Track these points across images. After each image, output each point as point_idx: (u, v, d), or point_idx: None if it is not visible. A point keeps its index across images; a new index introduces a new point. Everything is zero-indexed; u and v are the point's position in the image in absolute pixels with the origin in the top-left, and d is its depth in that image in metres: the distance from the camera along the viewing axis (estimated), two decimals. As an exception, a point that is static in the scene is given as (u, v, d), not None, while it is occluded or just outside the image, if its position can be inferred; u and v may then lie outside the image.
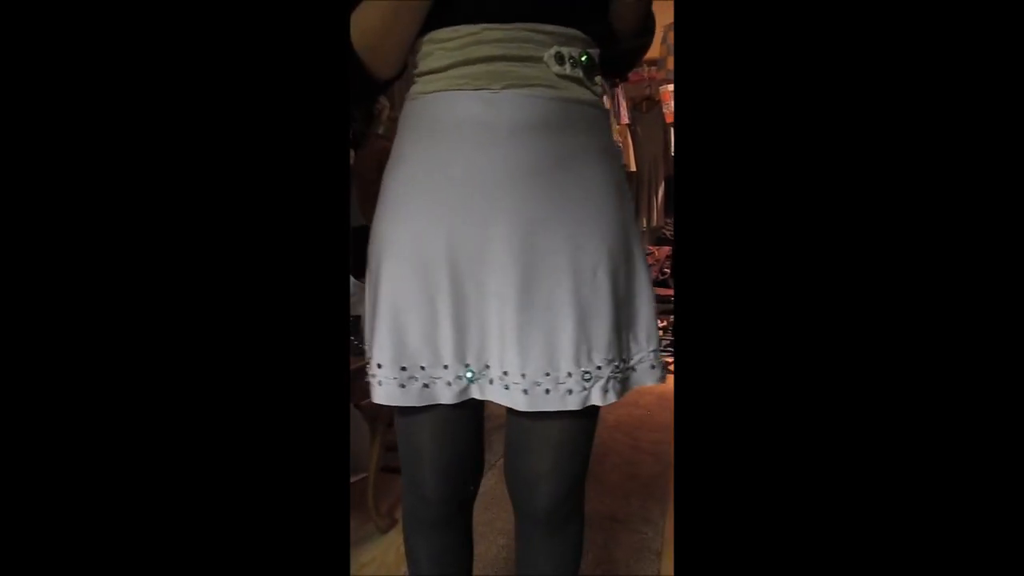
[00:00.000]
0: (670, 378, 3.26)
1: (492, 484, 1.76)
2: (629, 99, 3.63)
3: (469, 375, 0.70)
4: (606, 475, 1.95)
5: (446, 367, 0.69)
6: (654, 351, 0.75)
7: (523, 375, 0.67)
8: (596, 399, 0.69)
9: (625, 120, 3.57)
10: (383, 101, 2.27)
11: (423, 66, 0.70)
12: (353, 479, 1.64)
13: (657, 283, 3.55)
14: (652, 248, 3.65)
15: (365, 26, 0.66)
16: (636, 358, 0.74)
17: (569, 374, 0.68)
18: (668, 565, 1.48)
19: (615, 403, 0.72)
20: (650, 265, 3.71)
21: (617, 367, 0.71)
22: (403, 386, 0.69)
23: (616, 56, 0.78)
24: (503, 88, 0.66)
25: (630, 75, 3.19)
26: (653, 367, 0.75)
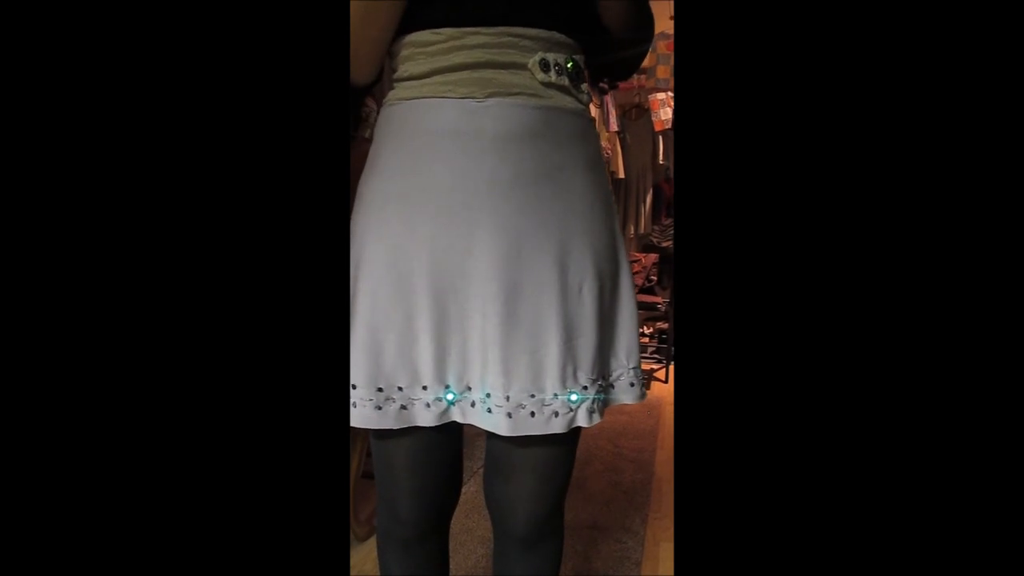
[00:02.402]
0: (655, 385, 3.25)
1: (473, 492, 1.75)
2: (618, 107, 3.64)
3: (450, 397, 0.67)
4: (588, 482, 1.95)
5: (425, 388, 0.66)
6: (634, 368, 0.73)
7: (507, 397, 0.64)
8: (582, 420, 0.66)
9: (614, 128, 3.58)
10: (370, 104, 2.25)
11: (402, 71, 0.67)
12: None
13: (643, 290, 3.56)
14: (639, 255, 3.66)
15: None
16: (615, 375, 0.72)
17: (555, 395, 0.65)
18: (648, 574, 1.47)
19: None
20: (636, 272, 3.71)
21: (601, 386, 0.69)
22: (379, 408, 0.66)
23: (612, 61, 0.76)
24: (487, 96, 0.64)
25: (620, 83, 3.19)
26: (632, 384, 0.73)
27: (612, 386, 0.72)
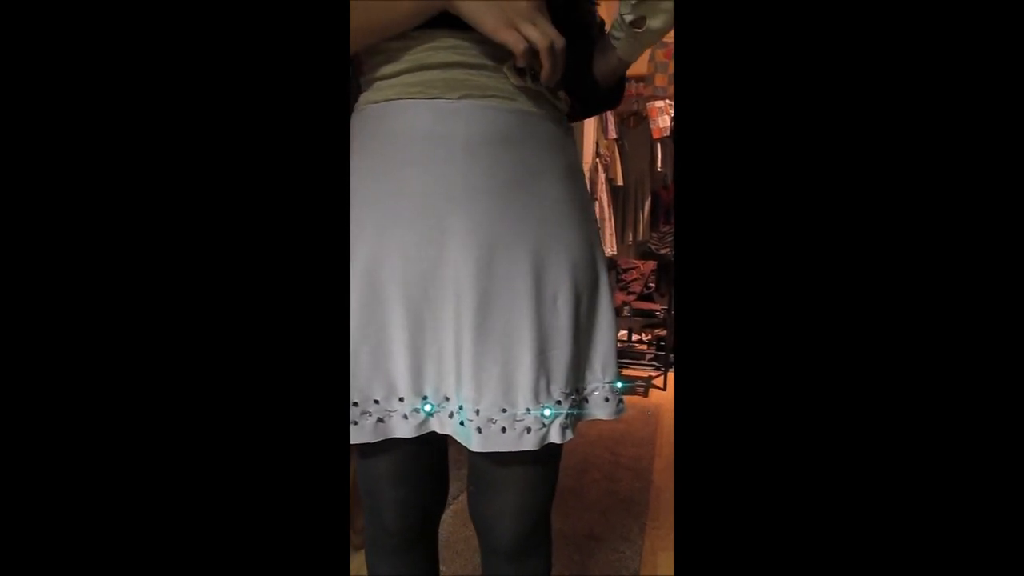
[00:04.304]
0: (653, 392, 3.22)
1: (470, 499, 1.74)
2: (616, 114, 3.65)
3: (428, 408, 0.65)
4: (585, 491, 1.94)
5: (402, 400, 0.64)
6: (609, 383, 0.70)
7: (477, 412, 0.62)
8: (555, 437, 0.64)
9: (613, 135, 3.60)
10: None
11: (373, 72, 0.65)
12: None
13: (641, 297, 3.56)
14: (637, 262, 3.66)
15: (356, 25, 0.60)
16: (590, 388, 0.69)
17: (528, 410, 0.62)
18: (645, 584, 1.46)
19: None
20: (635, 279, 3.70)
21: (575, 400, 0.67)
22: (355, 423, 0.64)
23: (584, 95, 0.75)
24: (459, 98, 0.62)
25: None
26: (607, 399, 0.70)
27: (586, 400, 0.69)
